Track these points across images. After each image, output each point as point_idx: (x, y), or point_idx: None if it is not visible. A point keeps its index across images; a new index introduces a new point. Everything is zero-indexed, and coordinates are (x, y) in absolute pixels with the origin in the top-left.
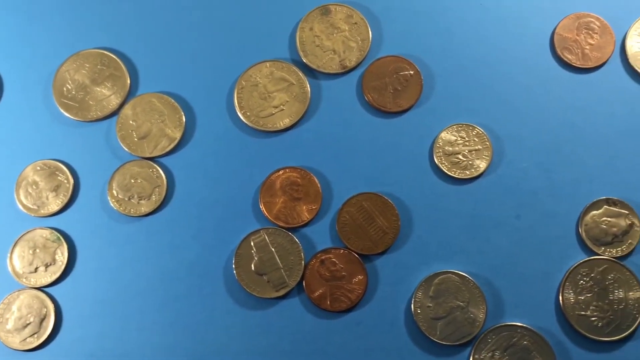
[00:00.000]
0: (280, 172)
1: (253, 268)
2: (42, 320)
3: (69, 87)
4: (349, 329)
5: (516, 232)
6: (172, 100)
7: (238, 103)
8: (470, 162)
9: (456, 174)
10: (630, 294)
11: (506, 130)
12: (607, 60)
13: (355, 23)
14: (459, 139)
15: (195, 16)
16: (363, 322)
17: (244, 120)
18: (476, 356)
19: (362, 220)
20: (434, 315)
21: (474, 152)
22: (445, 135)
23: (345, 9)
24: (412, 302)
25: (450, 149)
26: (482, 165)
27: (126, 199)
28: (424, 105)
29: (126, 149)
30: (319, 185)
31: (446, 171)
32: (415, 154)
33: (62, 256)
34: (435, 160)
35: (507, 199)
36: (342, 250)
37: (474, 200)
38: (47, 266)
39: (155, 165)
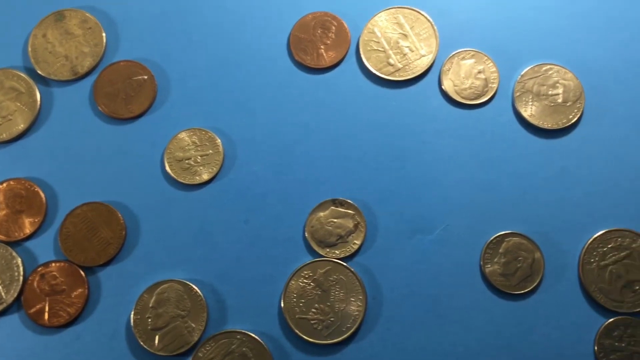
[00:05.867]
0: (4, 185)
1: None
2: None
3: None
4: (68, 345)
5: (244, 237)
6: None
7: None
8: (201, 167)
9: (186, 179)
10: (352, 294)
11: (240, 134)
12: (343, 59)
13: (90, 28)
14: (191, 144)
15: None
16: (82, 336)
17: None
18: None
19: (86, 231)
20: (153, 326)
21: (205, 156)
22: (177, 140)
23: (81, 14)
24: (132, 313)
25: (182, 154)
26: (212, 170)
27: None
28: (159, 110)
29: None
30: (43, 196)
31: (176, 177)
32: (146, 161)
33: None
34: (166, 166)
35: (237, 203)
36: (63, 264)
37: (204, 206)
38: None
39: None
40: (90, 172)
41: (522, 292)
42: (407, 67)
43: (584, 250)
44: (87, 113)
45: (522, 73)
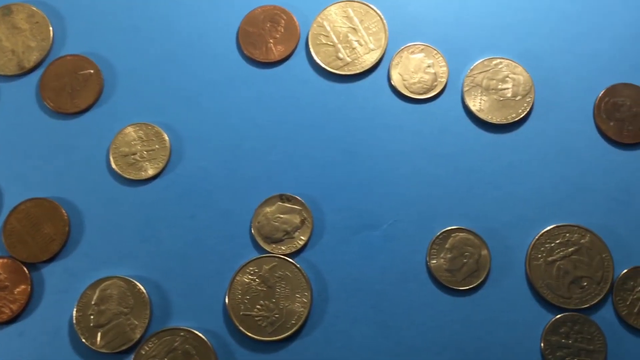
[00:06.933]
0: None
1: None
2: None
3: None
4: (11, 341)
5: (190, 233)
6: None
7: None
8: (146, 163)
9: (131, 175)
10: (297, 291)
11: (188, 129)
12: (292, 53)
13: (37, 22)
14: (137, 138)
15: None
16: (26, 332)
17: None
18: None
19: (29, 227)
20: (95, 323)
21: (151, 152)
22: (122, 135)
23: (27, 8)
24: (75, 310)
25: (127, 149)
26: (158, 165)
27: None
28: (105, 105)
29: None
30: None
31: (121, 173)
32: (92, 156)
33: None
34: (112, 162)
35: (183, 199)
36: (6, 260)
37: (150, 201)
38: None
39: None
40: (35, 168)
41: (468, 287)
42: (356, 61)
43: (531, 245)
44: (33, 108)
45: (471, 67)
